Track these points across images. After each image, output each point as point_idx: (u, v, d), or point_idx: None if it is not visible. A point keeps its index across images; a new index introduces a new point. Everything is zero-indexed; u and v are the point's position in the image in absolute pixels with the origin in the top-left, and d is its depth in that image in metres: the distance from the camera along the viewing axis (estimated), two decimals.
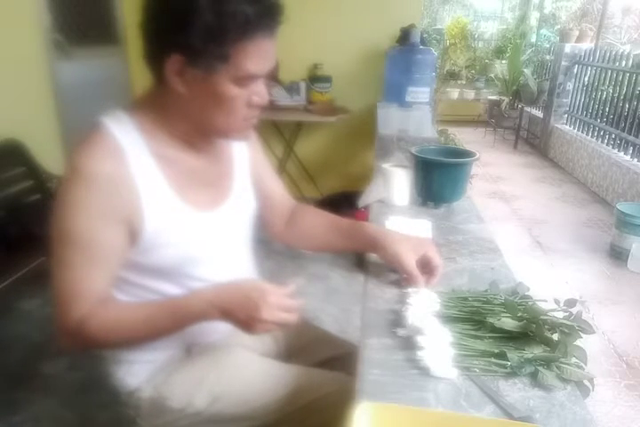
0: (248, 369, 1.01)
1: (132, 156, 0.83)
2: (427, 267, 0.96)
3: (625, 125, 4.41)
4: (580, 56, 5.51)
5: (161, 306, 0.85)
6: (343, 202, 2.78)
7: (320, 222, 1.11)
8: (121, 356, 0.98)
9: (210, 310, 0.82)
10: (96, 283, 0.84)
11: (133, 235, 0.84)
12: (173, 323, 0.84)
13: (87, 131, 0.84)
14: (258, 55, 0.78)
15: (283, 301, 0.80)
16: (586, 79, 5.40)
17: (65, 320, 0.83)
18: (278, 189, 1.15)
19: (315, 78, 3.51)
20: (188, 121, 0.86)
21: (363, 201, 1.45)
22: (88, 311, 0.82)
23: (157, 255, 0.88)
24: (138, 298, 0.92)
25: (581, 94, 5.44)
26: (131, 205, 0.83)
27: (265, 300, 0.79)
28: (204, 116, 0.85)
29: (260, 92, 0.84)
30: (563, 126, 5.68)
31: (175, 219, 0.87)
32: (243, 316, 0.80)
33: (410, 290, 0.92)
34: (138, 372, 0.98)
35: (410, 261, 0.94)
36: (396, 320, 0.85)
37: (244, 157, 1.05)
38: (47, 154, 2.80)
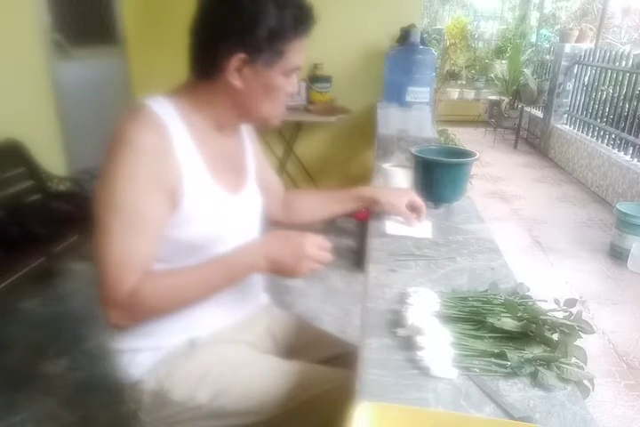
0: (251, 365, 1.02)
1: (175, 133, 0.89)
2: (414, 208, 1.22)
3: (625, 125, 4.41)
4: (580, 56, 5.51)
5: (212, 264, 0.90)
6: None
7: (315, 196, 1.30)
8: (124, 344, 0.99)
9: (258, 261, 0.90)
10: (145, 253, 0.86)
11: (172, 209, 0.88)
12: (225, 278, 0.91)
13: (130, 109, 0.90)
14: (301, 50, 0.93)
15: (318, 239, 0.92)
16: (586, 79, 5.40)
17: (116, 292, 0.83)
18: (274, 178, 1.24)
19: (315, 78, 3.51)
20: (233, 109, 0.95)
21: None
22: (139, 281, 0.84)
23: (186, 231, 0.91)
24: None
25: (581, 94, 5.44)
26: (174, 179, 0.88)
27: (305, 238, 0.90)
28: (252, 105, 0.94)
29: (293, 83, 0.96)
30: (563, 126, 5.68)
31: (208, 197, 0.93)
32: (290, 257, 0.89)
33: (410, 290, 0.92)
34: (141, 361, 0.99)
35: (402, 206, 1.21)
36: (396, 320, 0.84)
37: (251, 150, 1.12)
38: (47, 154, 2.80)
